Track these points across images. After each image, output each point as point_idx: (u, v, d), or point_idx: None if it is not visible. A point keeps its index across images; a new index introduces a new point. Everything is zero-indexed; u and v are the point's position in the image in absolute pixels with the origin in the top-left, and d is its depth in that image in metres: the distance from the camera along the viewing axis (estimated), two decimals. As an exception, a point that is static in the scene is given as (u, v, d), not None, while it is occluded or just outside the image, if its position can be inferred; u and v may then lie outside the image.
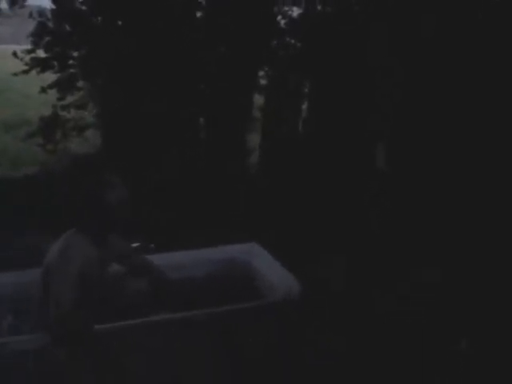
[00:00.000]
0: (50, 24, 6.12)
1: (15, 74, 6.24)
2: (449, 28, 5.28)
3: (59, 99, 6.21)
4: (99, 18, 6.22)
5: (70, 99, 6.27)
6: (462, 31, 5.24)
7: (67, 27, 6.13)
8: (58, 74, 6.20)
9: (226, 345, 3.14)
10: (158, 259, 3.46)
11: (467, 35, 5.23)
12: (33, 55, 6.13)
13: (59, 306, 2.63)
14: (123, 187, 2.91)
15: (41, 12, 6.20)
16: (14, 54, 6.17)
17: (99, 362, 2.77)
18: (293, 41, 6.45)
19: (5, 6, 6.64)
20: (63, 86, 6.20)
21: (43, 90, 6.19)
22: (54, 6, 6.15)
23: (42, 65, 6.12)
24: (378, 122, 5.91)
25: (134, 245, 3.65)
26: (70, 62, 6.22)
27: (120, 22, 6.18)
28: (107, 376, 2.81)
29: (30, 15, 6.18)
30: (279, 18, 6.65)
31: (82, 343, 2.71)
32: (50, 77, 6.21)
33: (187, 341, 3.01)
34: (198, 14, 6.29)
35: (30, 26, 6.19)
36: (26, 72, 6.14)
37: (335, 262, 4.27)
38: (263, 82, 6.59)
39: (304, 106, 6.64)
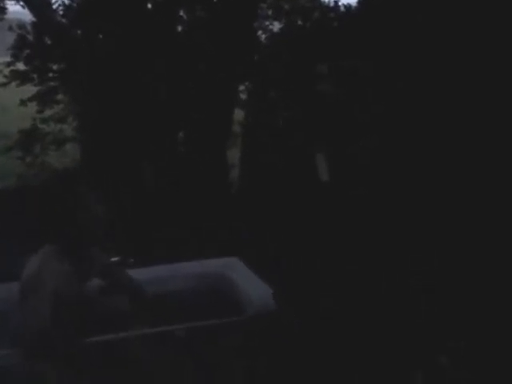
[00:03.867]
0: (30, 37, 6.10)
1: (-6, 87, 6.19)
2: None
3: (39, 112, 6.17)
4: (80, 32, 6.21)
5: (49, 112, 6.23)
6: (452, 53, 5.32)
7: (47, 40, 6.11)
8: (38, 87, 6.17)
9: (205, 359, 3.12)
10: (137, 273, 3.43)
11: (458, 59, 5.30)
12: (12, 68, 6.09)
13: (36, 323, 2.60)
14: (99, 202, 2.89)
15: (20, 25, 6.17)
16: (-6, 67, 6.14)
17: (80, 376, 2.74)
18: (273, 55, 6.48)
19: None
20: (43, 99, 6.17)
21: (23, 102, 6.15)
22: (34, 19, 6.13)
23: (21, 78, 6.09)
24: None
25: (114, 259, 3.62)
26: (50, 75, 6.19)
27: (101, 36, 6.18)
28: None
29: (10, 28, 6.15)
30: (260, 32, 6.71)
31: (62, 356, 2.68)
32: (28, 89, 6.17)
33: (167, 355, 2.98)
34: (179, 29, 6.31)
35: (9, 38, 6.16)
36: (4, 85, 6.10)
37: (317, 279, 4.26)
38: (244, 96, 6.60)
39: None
